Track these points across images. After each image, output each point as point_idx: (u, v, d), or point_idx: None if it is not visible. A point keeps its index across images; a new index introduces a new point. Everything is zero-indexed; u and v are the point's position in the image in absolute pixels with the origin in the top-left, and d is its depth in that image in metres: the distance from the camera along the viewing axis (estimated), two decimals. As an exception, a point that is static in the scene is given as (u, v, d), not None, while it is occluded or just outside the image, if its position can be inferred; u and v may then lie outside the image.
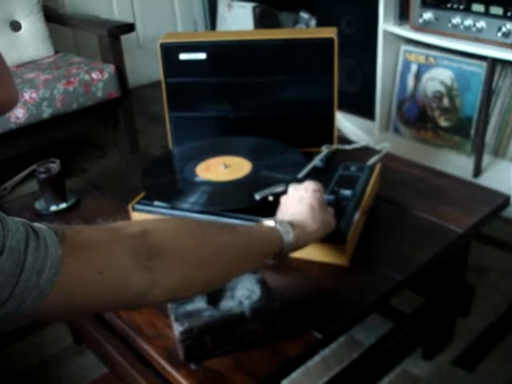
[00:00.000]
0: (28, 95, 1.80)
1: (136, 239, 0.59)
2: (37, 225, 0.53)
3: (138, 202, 1.02)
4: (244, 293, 0.77)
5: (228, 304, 0.76)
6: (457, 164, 1.87)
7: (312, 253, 0.91)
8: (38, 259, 0.50)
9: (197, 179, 1.07)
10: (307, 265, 0.92)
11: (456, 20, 1.69)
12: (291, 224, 0.79)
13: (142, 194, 1.05)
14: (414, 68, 2.00)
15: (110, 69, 1.98)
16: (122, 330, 0.85)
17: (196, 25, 3.27)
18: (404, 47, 2.01)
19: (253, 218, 0.92)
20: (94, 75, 1.94)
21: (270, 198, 0.96)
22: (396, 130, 2.12)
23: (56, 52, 2.20)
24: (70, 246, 0.53)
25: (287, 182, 0.98)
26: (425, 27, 1.80)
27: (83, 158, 2.34)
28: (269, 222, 0.78)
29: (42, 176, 1.11)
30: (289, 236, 0.77)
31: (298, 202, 0.84)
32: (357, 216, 0.93)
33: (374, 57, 2.03)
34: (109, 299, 0.57)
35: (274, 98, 1.27)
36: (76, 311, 0.57)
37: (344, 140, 1.35)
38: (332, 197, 0.97)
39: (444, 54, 1.88)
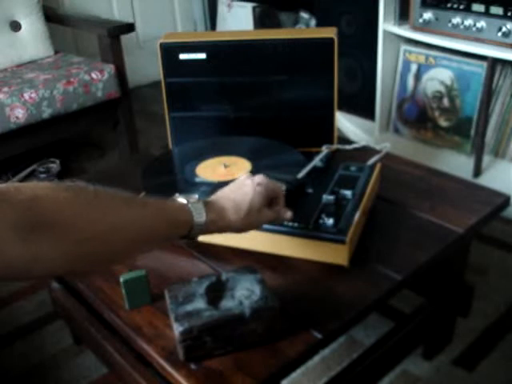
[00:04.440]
0: (28, 95, 1.79)
1: (21, 208, 0.54)
2: None
3: (138, 202, 1.02)
4: (244, 293, 0.77)
5: (228, 304, 0.76)
6: (457, 164, 1.87)
7: (312, 253, 0.91)
8: None
9: (197, 179, 1.07)
10: (307, 265, 0.92)
11: (456, 20, 1.69)
12: (208, 204, 0.75)
13: (142, 194, 1.05)
14: (414, 68, 2.00)
15: (109, 69, 1.98)
16: (122, 330, 0.85)
17: (196, 25, 3.27)
18: (404, 47, 2.01)
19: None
20: (94, 75, 1.94)
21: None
22: (396, 130, 2.12)
23: (56, 52, 2.20)
24: None
25: (287, 182, 0.98)
26: (425, 27, 1.80)
27: (83, 158, 2.34)
28: (181, 200, 0.74)
29: (42, 176, 1.11)
30: (200, 218, 0.72)
31: (238, 187, 0.80)
32: (357, 216, 0.93)
33: (374, 57, 2.03)
34: None
35: (273, 98, 1.27)
36: None
37: (344, 140, 1.35)
38: (332, 197, 0.97)
39: (444, 54, 1.88)
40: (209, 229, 0.74)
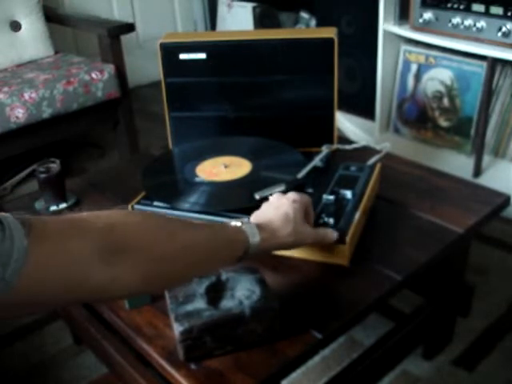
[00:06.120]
0: (28, 95, 1.79)
1: (102, 234, 0.59)
2: (1, 214, 0.52)
3: (138, 202, 1.02)
4: (244, 293, 0.77)
5: (228, 304, 0.76)
6: (457, 164, 1.87)
7: (312, 253, 0.91)
8: (4, 251, 0.49)
9: (197, 179, 1.07)
10: (307, 265, 0.92)
11: (456, 20, 1.69)
12: (259, 226, 0.77)
13: (142, 194, 1.05)
14: (414, 68, 2.00)
15: (110, 69, 1.98)
16: (122, 330, 0.85)
17: (196, 25, 3.27)
18: (404, 47, 2.01)
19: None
20: (94, 75, 1.94)
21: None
22: (396, 130, 2.12)
23: (56, 52, 2.20)
24: (36, 237, 0.52)
25: (287, 182, 0.98)
26: (425, 27, 1.80)
27: (83, 158, 2.34)
28: (236, 223, 0.77)
29: (42, 176, 1.11)
30: (255, 238, 0.75)
31: (275, 208, 0.83)
32: (357, 216, 0.93)
33: (374, 57, 2.03)
34: (70, 292, 0.56)
35: (273, 98, 1.26)
36: (38, 304, 0.55)
37: (344, 140, 1.35)
38: (332, 197, 0.97)
39: (444, 54, 1.88)
40: (262, 248, 0.77)
